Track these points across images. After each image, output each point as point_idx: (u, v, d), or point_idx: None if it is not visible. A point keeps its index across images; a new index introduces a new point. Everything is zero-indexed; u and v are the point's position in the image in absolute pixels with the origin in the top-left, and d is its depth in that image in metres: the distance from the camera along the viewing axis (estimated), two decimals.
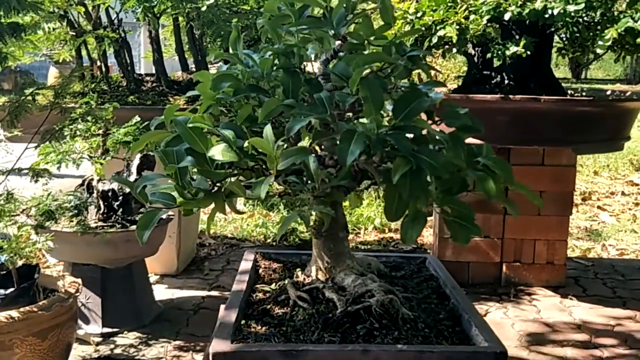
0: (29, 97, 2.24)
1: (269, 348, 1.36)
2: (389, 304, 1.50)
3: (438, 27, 2.81)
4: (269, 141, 1.34)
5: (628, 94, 3.53)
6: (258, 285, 1.74)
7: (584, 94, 3.56)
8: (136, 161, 2.64)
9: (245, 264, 1.86)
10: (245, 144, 1.39)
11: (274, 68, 1.51)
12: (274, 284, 1.74)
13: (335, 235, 1.63)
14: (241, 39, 1.60)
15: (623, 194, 5.59)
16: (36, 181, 2.28)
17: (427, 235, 4.25)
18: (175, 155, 1.38)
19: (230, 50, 1.61)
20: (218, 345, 1.36)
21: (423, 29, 2.83)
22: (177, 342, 2.63)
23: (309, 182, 1.42)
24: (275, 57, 1.51)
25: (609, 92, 3.66)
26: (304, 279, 1.68)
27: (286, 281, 1.67)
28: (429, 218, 4.58)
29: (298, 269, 1.78)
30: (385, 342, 1.41)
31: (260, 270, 1.85)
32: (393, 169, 1.25)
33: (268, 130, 1.35)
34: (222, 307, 1.58)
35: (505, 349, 1.39)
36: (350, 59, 1.45)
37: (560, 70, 16.10)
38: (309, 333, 1.44)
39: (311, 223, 1.60)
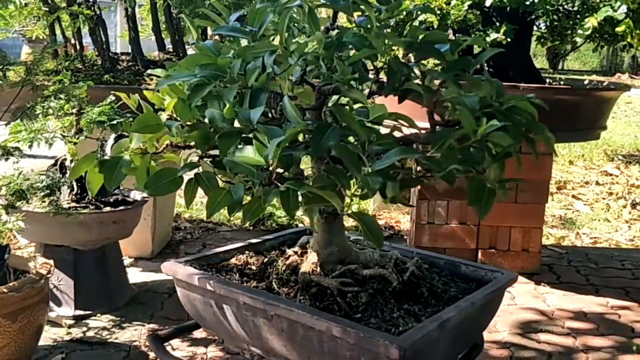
0: (0, 74, 2.18)
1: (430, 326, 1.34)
2: (422, 267, 1.63)
3: (419, 12, 2.79)
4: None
5: (605, 84, 3.56)
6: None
7: (562, 83, 3.58)
8: (110, 141, 2.59)
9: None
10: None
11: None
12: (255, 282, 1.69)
13: (342, 218, 1.64)
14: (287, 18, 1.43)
15: (597, 183, 5.66)
16: (6, 160, 2.23)
17: (405, 222, 4.26)
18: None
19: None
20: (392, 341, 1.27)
21: (404, 12, 2.81)
22: (151, 325, 2.60)
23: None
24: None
25: (586, 82, 3.68)
26: (313, 267, 1.62)
27: (302, 273, 1.61)
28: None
29: (269, 259, 1.76)
30: (451, 297, 1.54)
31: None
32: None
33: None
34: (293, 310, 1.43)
35: (515, 274, 1.67)
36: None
37: (538, 60, 16.26)
38: (389, 311, 1.46)
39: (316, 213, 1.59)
